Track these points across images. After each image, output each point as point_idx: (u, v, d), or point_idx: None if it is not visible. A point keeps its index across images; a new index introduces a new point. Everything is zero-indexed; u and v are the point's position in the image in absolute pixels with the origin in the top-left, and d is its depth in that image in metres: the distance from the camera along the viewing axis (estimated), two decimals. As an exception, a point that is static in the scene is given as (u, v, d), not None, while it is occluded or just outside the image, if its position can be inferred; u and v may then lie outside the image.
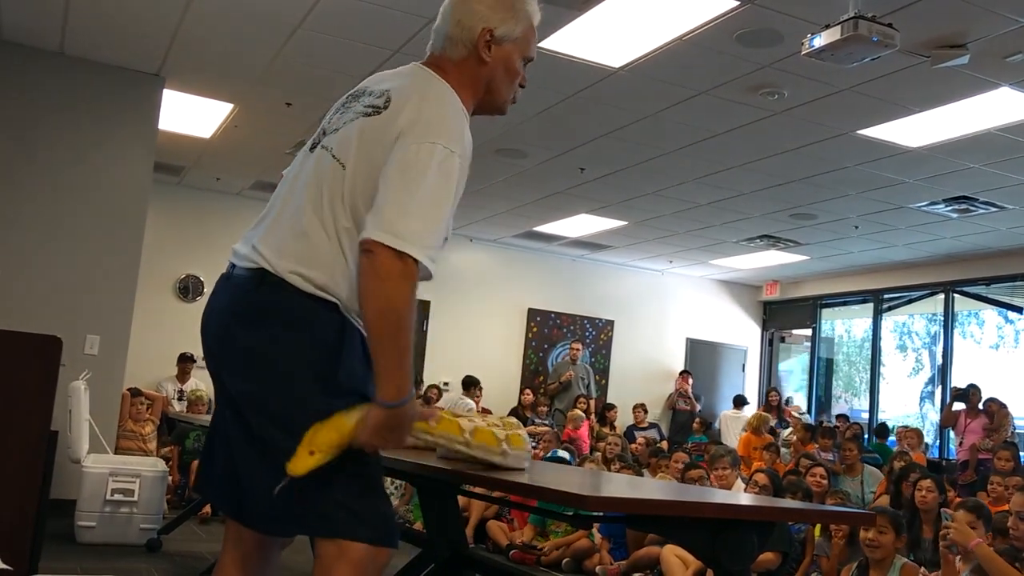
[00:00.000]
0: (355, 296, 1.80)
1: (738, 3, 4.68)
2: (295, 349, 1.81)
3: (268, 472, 1.76)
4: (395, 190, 1.75)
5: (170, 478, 6.54)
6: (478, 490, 2.79)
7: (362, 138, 1.85)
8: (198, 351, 10.03)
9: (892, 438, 9.41)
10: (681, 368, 12.35)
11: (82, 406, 5.16)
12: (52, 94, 6.21)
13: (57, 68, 6.21)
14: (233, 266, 1.94)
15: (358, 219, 1.81)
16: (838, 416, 10.73)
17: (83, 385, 5.17)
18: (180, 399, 8.74)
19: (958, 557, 3.87)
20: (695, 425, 11.12)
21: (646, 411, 11.10)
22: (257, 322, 1.84)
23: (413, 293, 1.72)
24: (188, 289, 9.76)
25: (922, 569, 4.32)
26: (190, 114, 7.28)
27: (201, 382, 9.05)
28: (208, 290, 9.66)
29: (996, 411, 8.50)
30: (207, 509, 6.46)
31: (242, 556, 1.99)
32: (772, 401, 11.22)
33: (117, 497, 5.24)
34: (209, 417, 6.64)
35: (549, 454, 7.17)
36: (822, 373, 12.70)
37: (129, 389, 7.36)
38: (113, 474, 5.27)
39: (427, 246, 1.73)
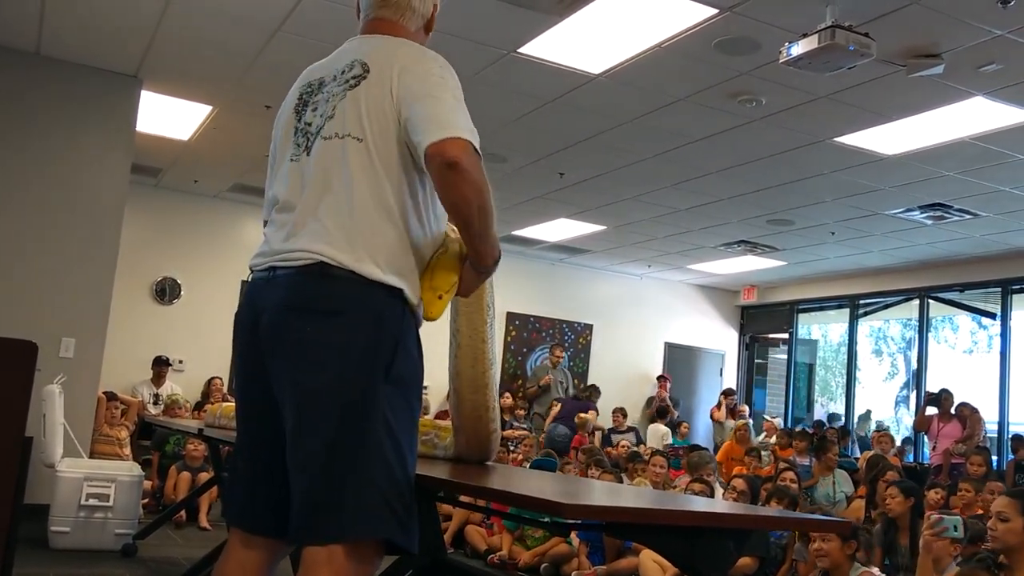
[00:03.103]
0: (415, 269, 1.91)
1: (716, 11, 4.71)
2: (359, 340, 1.82)
3: (325, 460, 1.77)
4: (426, 108, 1.85)
5: (148, 483, 6.49)
6: (465, 498, 2.80)
7: (365, 105, 1.91)
8: (174, 354, 9.98)
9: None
10: (659, 372, 12.39)
11: (56, 410, 5.10)
12: (28, 95, 6.15)
13: (33, 69, 6.15)
14: (273, 269, 1.92)
15: (393, 179, 1.89)
16: (815, 423, 10.82)
17: (58, 389, 5.11)
18: (156, 403, 8.68)
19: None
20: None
21: (625, 415, 11.13)
22: (321, 313, 1.84)
23: (485, 176, 1.84)
24: (165, 291, 9.69)
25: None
26: (168, 116, 7.23)
27: (177, 386, 8.99)
28: (185, 292, 9.73)
29: (968, 416, 8.60)
30: (183, 514, 6.42)
31: (251, 562, 1.98)
32: (727, 403, 11.33)
33: (92, 502, 5.19)
34: (188, 421, 6.63)
35: (534, 459, 7.14)
36: (799, 378, 12.78)
37: (105, 393, 7.30)
38: (88, 479, 5.21)
39: (474, 133, 1.84)
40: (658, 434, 10.54)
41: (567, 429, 10.15)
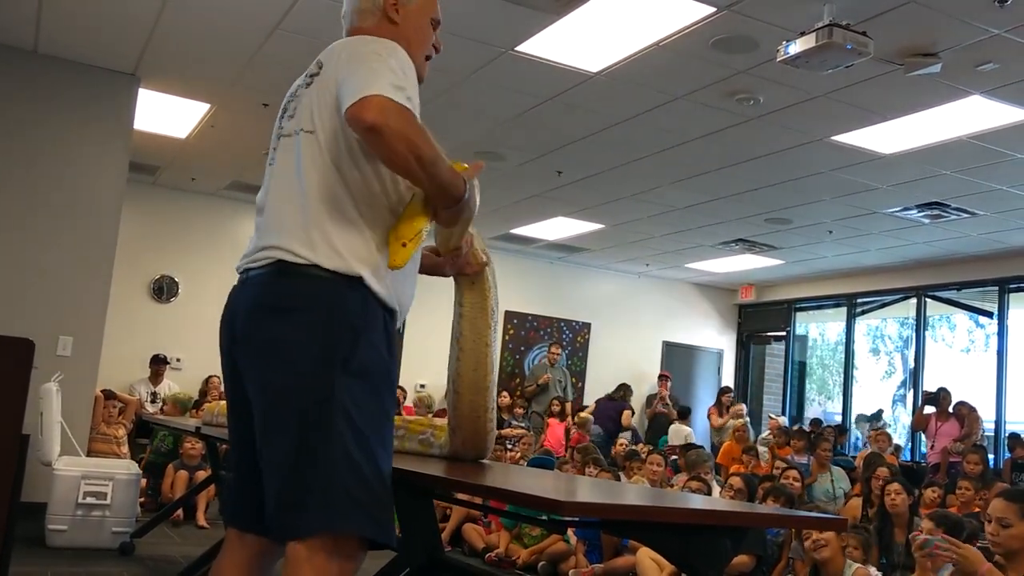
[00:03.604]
0: (375, 254, 1.89)
1: (714, 9, 4.71)
2: (313, 335, 1.83)
3: (291, 458, 1.79)
4: (350, 77, 1.83)
5: (143, 481, 6.49)
6: (463, 496, 2.80)
7: (316, 99, 1.95)
8: (172, 352, 9.97)
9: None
10: (657, 371, 12.39)
11: (54, 408, 5.10)
12: (25, 93, 6.14)
13: (31, 67, 6.14)
14: (247, 271, 1.99)
15: (343, 166, 1.90)
16: (812, 421, 10.83)
17: (55, 387, 5.11)
18: (153, 401, 8.67)
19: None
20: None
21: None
22: (281, 311, 1.87)
23: (413, 122, 1.78)
24: (163, 290, 9.68)
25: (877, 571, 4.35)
26: (166, 114, 7.23)
27: (175, 384, 8.98)
28: (183, 290, 9.73)
29: (966, 415, 8.60)
30: (180, 513, 6.42)
31: (246, 559, 2.01)
32: (725, 402, 11.35)
33: (89, 500, 5.19)
34: (184, 420, 6.62)
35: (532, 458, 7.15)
36: (796, 376, 12.79)
37: (103, 391, 7.29)
38: (85, 477, 5.21)
39: (397, 89, 1.79)
40: (681, 434, 10.35)
41: (599, 429, 10.18)
